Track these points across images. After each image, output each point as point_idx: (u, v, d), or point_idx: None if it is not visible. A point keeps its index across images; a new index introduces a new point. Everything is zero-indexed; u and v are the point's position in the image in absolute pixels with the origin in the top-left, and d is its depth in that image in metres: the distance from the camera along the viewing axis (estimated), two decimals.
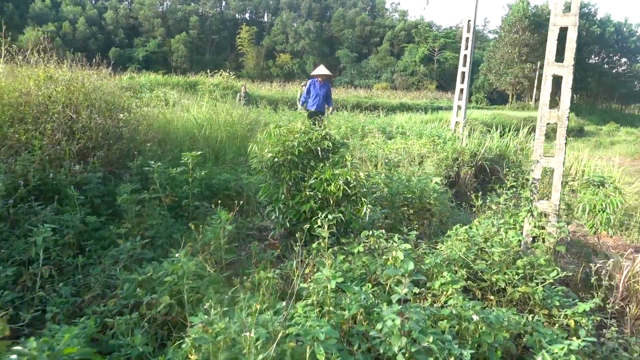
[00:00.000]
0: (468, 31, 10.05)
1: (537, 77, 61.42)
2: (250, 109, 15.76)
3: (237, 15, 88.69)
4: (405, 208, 4.86)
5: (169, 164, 5.20)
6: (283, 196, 4.20)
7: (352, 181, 3.96)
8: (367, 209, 3.92)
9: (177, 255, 2.88)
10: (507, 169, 9.15)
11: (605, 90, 77.38)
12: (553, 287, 3.48)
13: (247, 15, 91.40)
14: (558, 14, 4.77)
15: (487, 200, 4.91)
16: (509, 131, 11.62)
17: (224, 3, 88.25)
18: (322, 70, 9.50)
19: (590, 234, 5.69)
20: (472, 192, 5.63)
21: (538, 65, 61.37)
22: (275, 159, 4.23)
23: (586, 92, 77.70)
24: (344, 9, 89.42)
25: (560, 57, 4.55)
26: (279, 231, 4.32)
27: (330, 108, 9.62)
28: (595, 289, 3.74)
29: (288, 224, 4.19)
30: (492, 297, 3.53)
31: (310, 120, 9.24)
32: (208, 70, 6.94)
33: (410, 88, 69.24)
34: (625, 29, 74.57)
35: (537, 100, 62.52)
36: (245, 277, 3.10)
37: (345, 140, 5.95)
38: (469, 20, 10.10)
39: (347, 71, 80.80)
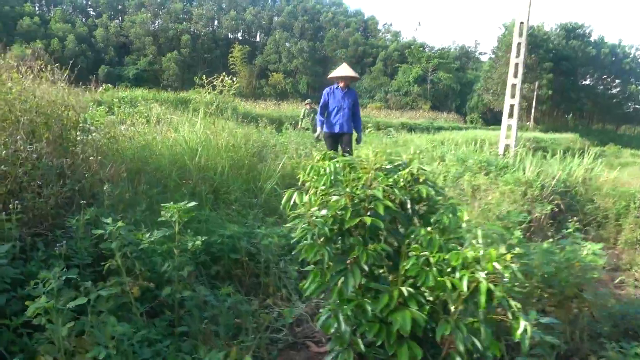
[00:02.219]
0: (520, 35, 8.27)
1: (535, 97, 60.38)
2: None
3: (229, 34, 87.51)
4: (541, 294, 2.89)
5: (140, 218, 3.19)
6: (352, 291, 2.19)
7: (493, 270, 1.97)
8: (527, 328, 1.92)
9: None
10: (575, 203, 7.28)
11: (601, 111, 76.66)
12: None
13: (239, 34, 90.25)
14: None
15: None
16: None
17: (216, 22, 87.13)
18: (345, 70, 6.72)
19: None
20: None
21: (536, 85, 60.46)
22: (336, 225, 2.24)
23: (581, 113, 77.07)
24: (337, 29, 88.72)
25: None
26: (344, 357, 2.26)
27: (359, 132, 7.15)
28: None
29: (362, 345, 2.17)
30: None
31: (329, 147, 6.79)
32: (204, 76, 4.98)
33: (404, 108, 68.15)
34: (619, 51, 74.27)
35: (537, 122, 61.42)
36: None
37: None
38: (521, 23, 8.32)
39: None
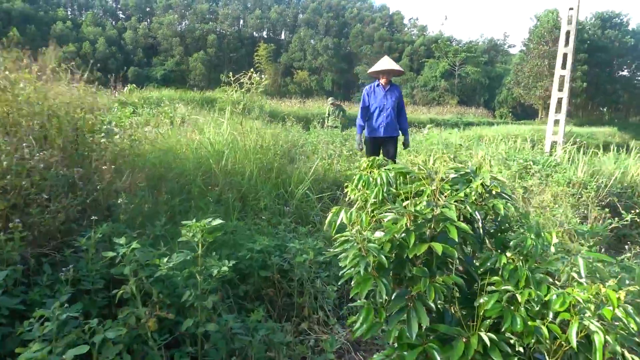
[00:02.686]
0: (569, 23, 7.61)
1: (569, 89, 58.40)
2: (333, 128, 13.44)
3: (255, 33, 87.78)
4: None
5: (160, 233, 2.82)
6: (415, 334, 1.75)
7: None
8: None
9: None
10: (634, 205, 6.62)
11: (639, 104, 73.57)
12: None
13: (264, 33, 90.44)
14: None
15: None
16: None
17: (241, 22, 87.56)
18: (386, 63, 5.78)
19: None
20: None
21: (569, 77, 58.40)
22: (395, 250, 1.79)
23: (616, 106, 74.15)
24: (362, 25, 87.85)
25: None
26: None
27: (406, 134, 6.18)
28: None
29: None
30: None
31: (370, 153, 5.95)
32: (231, 73, 4.57)
33: (431, 103, 67.10)
34: None
35: (570, 115, 59.33)
36: None
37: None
38: (570, 9, 7.65)
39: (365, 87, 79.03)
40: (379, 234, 1.83)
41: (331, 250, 1.97)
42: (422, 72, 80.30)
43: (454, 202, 1.82)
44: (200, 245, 2.26)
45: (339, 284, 2.60)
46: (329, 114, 14.21)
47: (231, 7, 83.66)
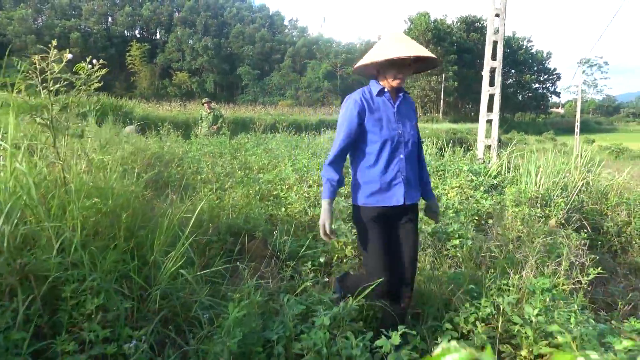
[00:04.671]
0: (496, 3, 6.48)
1: (442, 89, 61.89)
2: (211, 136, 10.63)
3: (125, 31, 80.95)
4: None
5: None
6: None
7: None
8: None
9: None
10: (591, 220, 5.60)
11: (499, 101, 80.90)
12: None
13: (137, 32, 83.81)
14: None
15: None
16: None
17: (110, 19, 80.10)
18: (411, 45, 2.39)
19: None
20: None
21: (443, 77, 61.95)
22: None
23: (479, 103, 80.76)
24: (242, 25, 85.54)
25: None
26: None
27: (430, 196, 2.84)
28: None
29: None
30: None
31: (374, 247, 2.49)
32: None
33: (315, 104, 67.17)
34: (513, 43, 78.76)
35: (445, 113, 62.93)
36: None
37: None
38: None
39: (250, 89, 77.75)
40: None
41: None
42: (306, 74, 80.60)
43: None
44: None
45: None
46: (202, 119, 11.64)
47: (96, 2, 75.95)
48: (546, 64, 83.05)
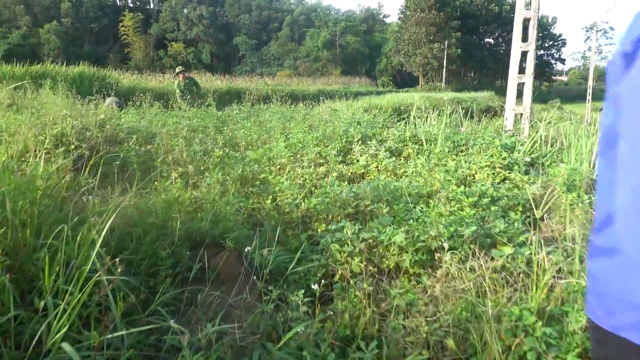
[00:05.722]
0: None
1: (445, 57, 59.80)
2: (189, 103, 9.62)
3: (117, 1, 78.30)
4: None
5: None
6: None
7: None
8: None
9: None
10: None
11: (504, 68, 78.61)
12: None
13: (129, 1, 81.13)
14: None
15: None
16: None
17: None
18: None
19: None
20: None
21: (446, 44, 59.79)
22: None
23: (484, 71, 78.64)
24: None
25: None
26: None
27: None
28: None
29: None
30: None
31: None
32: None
33: (314, 74, 65.47)
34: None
35: (447, 81, 60.99)
36: None
37: None
38: None
39: (248, 59, 75.80)
40: None
41: None
42: (304, 43, 78.51)
43: None
44: None
45: None
46: (179, 89, 10.54)
47: None
48: (551, 30, 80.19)
